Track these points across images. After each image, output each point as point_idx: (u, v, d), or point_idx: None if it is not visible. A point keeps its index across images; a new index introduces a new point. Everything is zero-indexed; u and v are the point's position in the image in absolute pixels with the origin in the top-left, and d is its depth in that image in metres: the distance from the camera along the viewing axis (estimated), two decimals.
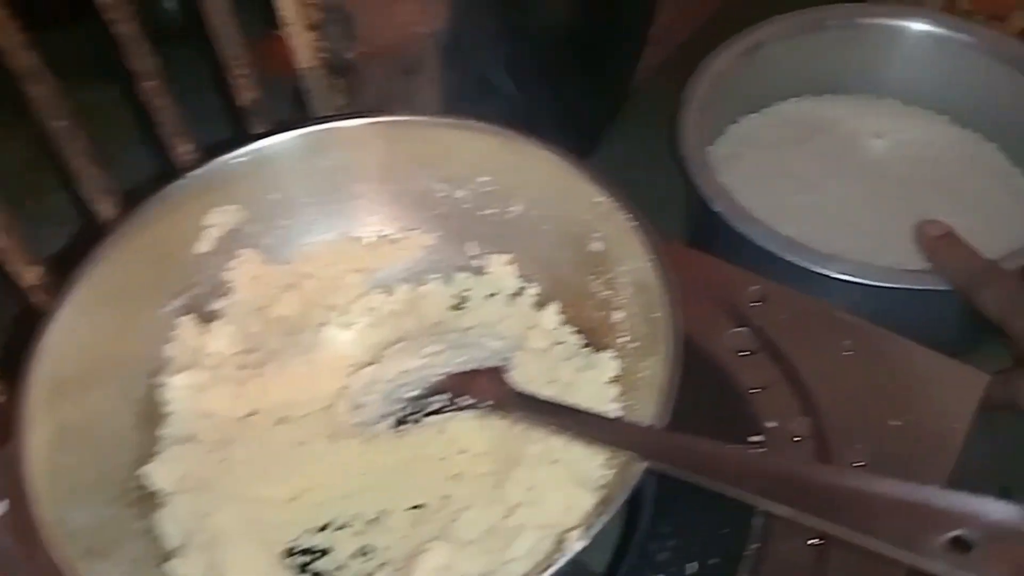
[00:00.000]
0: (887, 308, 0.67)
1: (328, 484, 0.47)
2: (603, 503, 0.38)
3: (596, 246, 0.51)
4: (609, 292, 0.50)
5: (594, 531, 0.37)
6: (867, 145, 0.85)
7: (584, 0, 0.80)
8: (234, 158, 0.51)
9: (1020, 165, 0.81)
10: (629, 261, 0.48)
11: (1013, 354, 0.59)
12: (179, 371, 0.50)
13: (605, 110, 0.93)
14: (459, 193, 0.55)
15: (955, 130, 0.85)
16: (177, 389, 0.49)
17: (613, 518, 0.51)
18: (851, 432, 0.54)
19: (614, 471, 0.43)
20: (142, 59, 0.58)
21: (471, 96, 0.73)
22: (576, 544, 0.37)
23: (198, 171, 0.50)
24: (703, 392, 0.56)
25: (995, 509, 0.30)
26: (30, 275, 0.56)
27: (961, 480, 0.51)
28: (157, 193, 0.49)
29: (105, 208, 0.59)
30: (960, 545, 0.30)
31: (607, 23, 0.85)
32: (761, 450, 0.50)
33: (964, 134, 0.85)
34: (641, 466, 0.38)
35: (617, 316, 0.50)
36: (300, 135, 0.52)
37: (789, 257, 0.65)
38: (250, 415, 0.50)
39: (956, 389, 0.55)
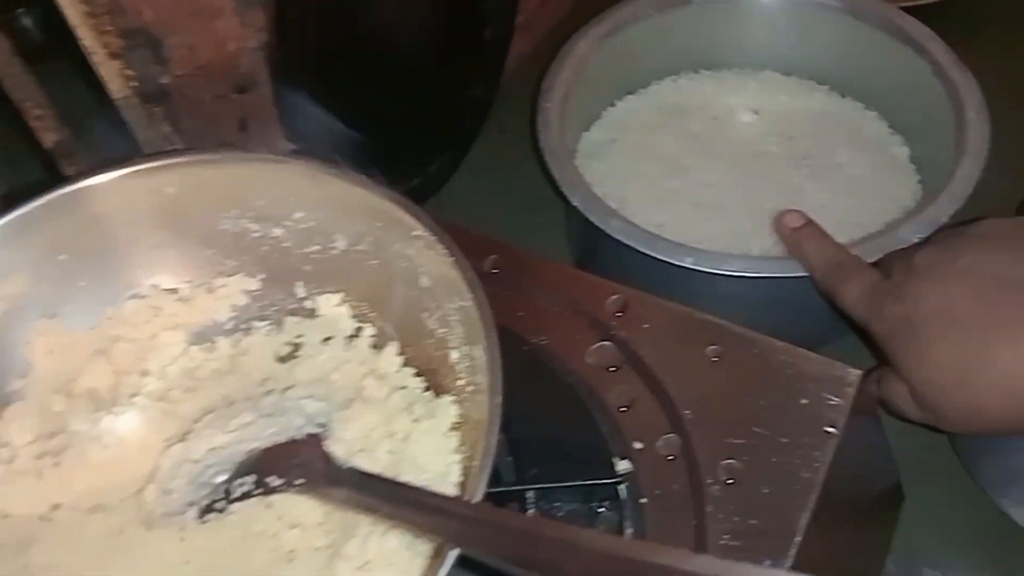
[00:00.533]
0: (757, 296, 0.65)
1: None
2: None
3: (424, 281, 0.46)
4: (444, 330, 0.46)
5: None
6: (742, 121, 0.82)
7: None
8: (4, 223, 0.45)
9: (900, 132, 0.79)
10: (454, 299, 0.43)
11: (876, 353, 0.56)
12: None
13: (476, 104, 0.88)
14: (276, 231, 0.50)
15: (834, 99, 0.82)
16: None
17: None
18: (720, 446, 0.50)
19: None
20: None
21: (311, 110, 0.68)
22: None
23: None
24: (570, 415, 0.53)
25: None
26: None
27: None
28: None
29: None
30: None
31: (460, 18, 0.80)
32: (585, 527, 0.46)
33: (844, 103, 0.82)
34: (453, 553, 0.34)
35: (454, 356, 0.46)
36: (77, 189, 0.47)
37: (647, 251, 0.61)
38: (54, 509, 0.44)
39: (827, 388, 0.52)
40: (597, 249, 0.69)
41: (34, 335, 0.48)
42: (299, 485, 0.41)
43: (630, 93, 0.85)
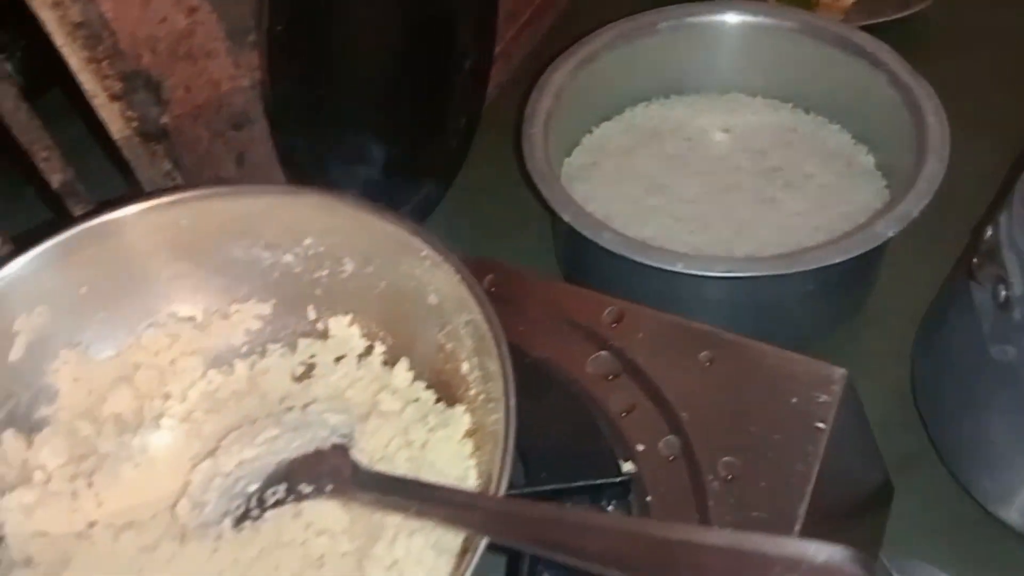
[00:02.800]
0: (744, 298, 0.68)
1: None
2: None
3: (432, 299, 0.49)
4: (453, 344, 0.49)
5: None
6: (714, 140, 0.86)
7: (411, 35, 0.78)
8: (32, 257, 0.47)
9: (863, 142, 0.83)
10: (463, 314, 0.46)
11: None
12: (7, 491, 0.47)
13: (461, 133, 0.91)
14: (287, 258, 0.52)
15: (798, 116, 0.87)
16: (7, 511, 0.46)
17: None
18: (718, 445, 0.53)
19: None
20: None
21: (304, 144, 0.71)
22: None
23: None
24: (575, 422, 0.55)
25: (821, 551, 0.29)
26: None
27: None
28: None
29: None
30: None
31: (442, 53, 0.83)
32: (602, 511, 0.49)
33: (807, 119, 0.86)
34: (483, 543, 0.36)
35: (464, 368, 0.48)
36: (104, 221, 0.49)
37: (638, 259, 0.65)
38: (90, 527, 0.46)
39: (815, 387, 0.55)
40: (588, 263, 0.72)
41: (59, 363, 0.50)
42: (329, 491, 0.43)
43: (606, 119, 0.88)
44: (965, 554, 0.68)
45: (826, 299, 0.73)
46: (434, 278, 0.48)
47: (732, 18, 0.84)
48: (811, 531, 0.51)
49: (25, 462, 0.48)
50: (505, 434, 0.39)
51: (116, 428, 0.50)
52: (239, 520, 0.44)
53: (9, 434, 0.48)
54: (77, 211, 0.62)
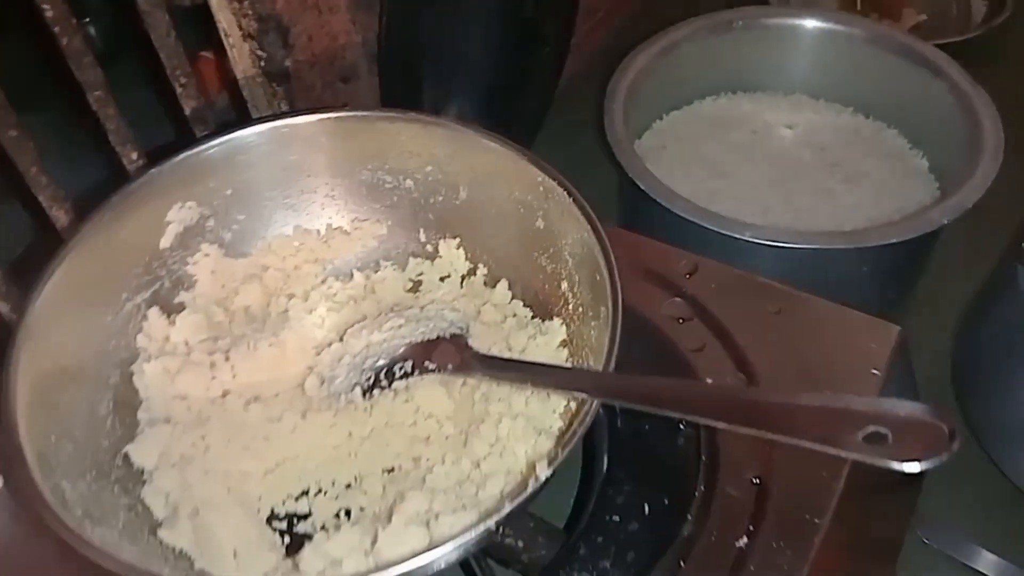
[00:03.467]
0: (800, 269, 0.73)
1: (303, 456, 0.50)
2: (564, 441, 0.42)
3: (539, 224, 0.54)
4: (554, 265, 0.54)
5: (558, 462, 0.40)
6: (779, 135, 0.92)
7: (509, 9, 0.84)
8: (190, 156, 0.54)
9: (918, 146, 0.89)
10: (570, 234, 0.52)
11: None
12: (150, 359, 0.52)
13: (533, 115, 0.97)
14: (407, 183, 0.58)
15: (859, 119, 0.92)
16: (150, 375, 0.51)
17: (571, 470, 0.55)
18: (781, 383, 0.58)
19: (571, 416, 0.46)
20: (89, 71, 0.60)
21: (407, 95, 0.77)
22: (542, 473, 0.40)
23: (156, 169, 0.53)
24: (647, 355, 0.61)
25: (903, 407, 0.35)
26: None
27: None
28: (121, 190, 0.51)
29: (58, 216, 0.61)
30: (876, 438, 0.34)
31: (532, 27, 0.89)
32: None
33: (867, 122, 0.92)
34: (595, 404, 0.42)
35: (563, 286, 0.54)
36: (254, 132, 0.55)
37: (710, 226, 0.70)
38: (223, 396, 0.52)
39: (872, 339, 0.60)
40: (660, 232, 0.78)
41: (200, 256, 0.56)
42: (450, 369, 0.49)
43: (676, 109, 0.94)
44: (996, 528, 0.72)
45: (879, 281, 0.78)
46: (545, 203, 0.53)
47: (807, 23, 0.90)
48: (856, 480, 0.56)
49: (167, 338, 0.54)
50: (612, 324, 0.44)
51: (246, 318, 0.56)
52: (368, 390, 0.50)
53: (154, 311, 0.54)
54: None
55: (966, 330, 0.76)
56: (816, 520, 0.52)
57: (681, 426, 0.56)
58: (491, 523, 0.38)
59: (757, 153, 0.89)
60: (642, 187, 0.74)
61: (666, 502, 0.53)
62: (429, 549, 0.38)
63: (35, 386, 0.45)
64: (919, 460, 0.33)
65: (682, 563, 0.51)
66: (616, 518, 0.52)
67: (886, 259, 0.74)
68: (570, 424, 0.45)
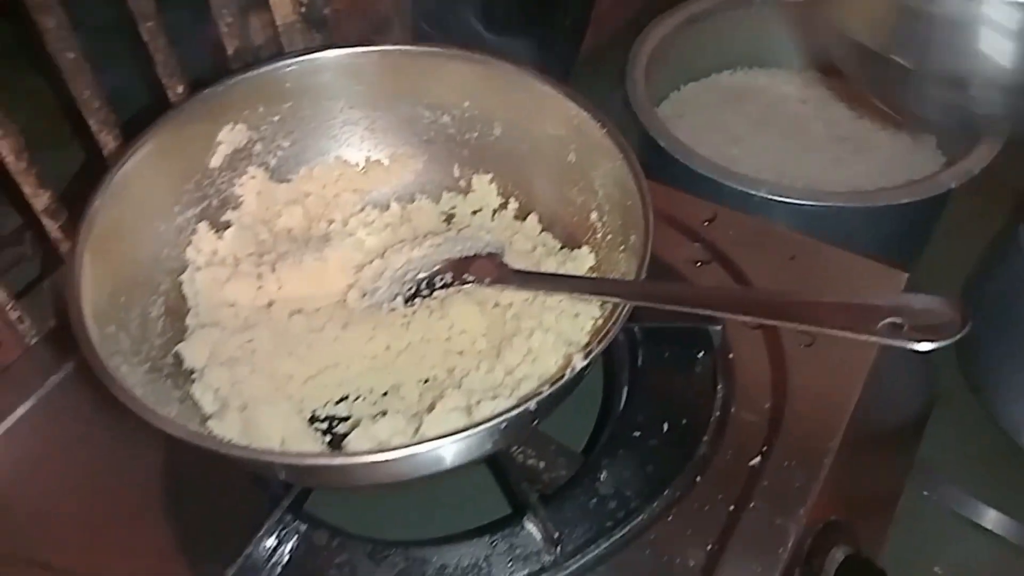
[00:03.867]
0: (811, 229, 0.76)
1: (343, 364, 0.53)
2: (600, 336, 0.44)
3: (571, 157, 0.57)
4: (584, 197, 0.57)
5: (594, 355, 0.43)
6: (793, 108, 0.95)
7: None
8: (241, 80, 0.56)
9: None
10: (602, 165, 0.54)
11: None
12: (199, 269, 0.55)
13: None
14: (444, 119, 0.61)
15: (870, 99, 0.95)
16: (199, 284, 0.54)
17: (590, 401, 0.58)
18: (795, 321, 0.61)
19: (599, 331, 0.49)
20: (142, 2, 0.63)
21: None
22: (578, 363, 0.43)
23: (211, 90, 0.55)
24: None
25: (922, 300, 0.38)
26: (40, 200, 0.60)
27: None
28: (178, 107, 0.54)
29: (107, 140, 0.63)
30: (895, 327, 0.37)
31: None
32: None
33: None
34: (628, 307, 0.45)
35: (592, 217, 0.57)
36: (299, 62, 0.58)
37: (727, 182, 0.73)
38: (268, 306, 0.55)
39: (881, 284, 0.63)
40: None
41: (247, 178, 0.59)
42: (488, 282, 0.51)
43: (693, 80, 0.98)
44: (996, 483, 0.75)
45: (887, 244, 0.81)
46: (578, 137, 0.56)
47: None
48: (867, 405, 0.59)
49: (215, 251, 0.56)
50: (645, 237, 0.47)
51: (288, 239, 0.58)
52: (410, 299, 0.52)
53: (203, 225, 0.57)
54: None
55: (969, 289, 0.79)
56: (827, 444, 0.55)
57: (699, 355, 0.59)
58: (531, 404, 0.41)
59: (771, 124, 0.92)
60: (663, 145, 0.77)
61: (684, 422, 0.56)
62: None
63: (96, 281, 0.48)
64: (932, 341, 0.35)
65: (698, 478, 0.54)
66: (637, 434, 0.55)
67: (895, 221, 0.77)
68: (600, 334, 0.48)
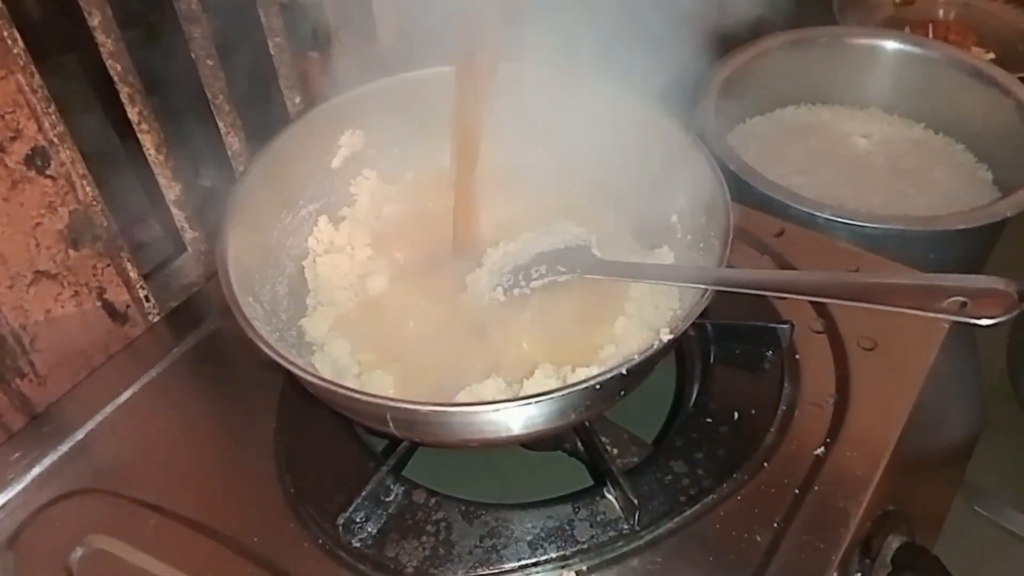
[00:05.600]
0: (869, 249, 0.80)
1: (448, 341, 0.58)
2: (687, 315, 0.49)
3: (654, 166, 0.63)
4: (665, 200, 0.62)
5: (680, 330, 0.48)
6: (854, 143, 1.00)
7: None
8: (364, 89, 0.63)
9: (984, 161, 0.96)
10: (686, 170, 0.60)
11: None
12: (319, 256, 0.62)
13: None
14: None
15: (929, 133, 1.00)
16: (319, 267, 0.61)
17: (661, 395, 0.63)
18: (859, 326, 0.66)
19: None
20: (272, 19, 0.70)
21: None
22: (665, 336, 0.48)
23: (339, 98, 0.62)
24: (739, 299, 0.68)
25: (982, 280, 0.42)
26: (172, 191, 0.68)
27: None
28: (308, 111, 0.61)
29: (232, 142, 0.71)
30: (959, 305, 0.42)
31: None
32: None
33: (937, 137, 1.00)
34: (711, 292, 0.50)
35: (673, 219, 0.62)
36: (414, 76, 0.65)
37: (793, 204, 0.78)
38: (378, 289, 0.61)
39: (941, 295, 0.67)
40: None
41: (361, 179, 0.66)
42: (578, 273, 0.57)
43: (759, 114, 1.03)
44: None
45: (942, 269, 0.84)
46: (664, 147, 0.61)
47: (888, 44, 0.99)
48: (919, 421, 0.63)
49: (332, 242, 0.63)
50: (725, 228, 0.52)
51: (398, 234, 0.65)
52: (508, 290, 0.58)
53: (323, 219, 0.63)
54: None
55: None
56: (887, 438, 0.60)
57: (768, 353, 0.64)
58: (622, 368, 0.46)
59: (834, 157, 0.97)
60: (732, 168, 0.82)
61: (753, 412, 0.61)
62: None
63: (235, 259, 0.54)
64: (992, 317, 0.40)
65: (765, 464, 0.58)
66: (709, 420, 0.60)
67: (952, 246, 0.81)
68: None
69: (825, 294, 0.46)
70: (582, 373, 0.51)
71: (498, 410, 0.45)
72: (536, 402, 0.45)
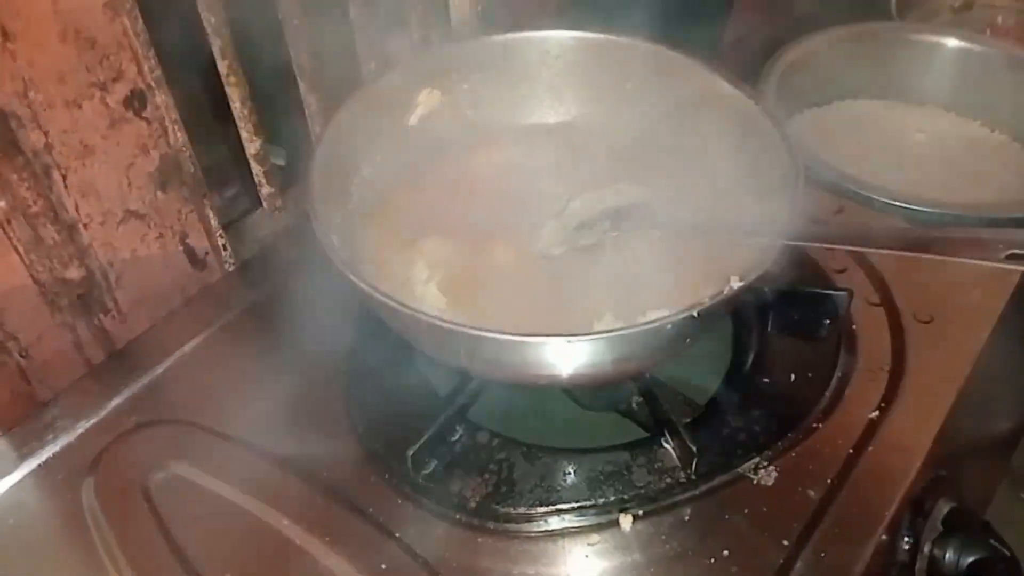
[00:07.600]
0: None
1: (520, 291, 0.61)
2: (756, 264, 0.51)
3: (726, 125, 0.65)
4: (730, 165, 0.64)
5: (750, 279, 0.50)
6: (910, 138, 1.00)
7: None
8: (443, 49, 0.66)
9: None
10: (758, 144, 0.61)
11: None
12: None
13: None
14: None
15: (986, 131, 1.01)
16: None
17: (716, 362, 0.65)
18: (915, 299, 0.67)
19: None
20: None
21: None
22: (735, 283, 0.50)
23: (419, 56, 0.65)
24: (800, 271, 0.70)
25: None
26: (252, 145, 0.71)
27: None
28: (389, 70, 0.64)
29: (311, 101, 0.74)
30: (1017, 257, 0.44)
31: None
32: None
33: (993, 135, 1.00)
34: (780, 245, 0.52)
35: (740, 192, 0.64)
36: (493, 40, 0.67)
37: (848, 184, 0.79)
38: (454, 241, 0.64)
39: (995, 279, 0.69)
40: None
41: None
42: (639, 226, 0.59)
43: (816, 106, 1.04)
44: None
45: None
46: (736, 125, 0.63)
47: (949, 41, 1.00)
48: (971, 391, 0.64)
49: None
50: (795, 186, 0.54)
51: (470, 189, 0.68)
52: (577, 242, 0.60)
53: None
54: None
55: None
56: (941, 406, 0.61)
57: (825, 321, 0.65)
58: (693, 311, 0.48)
59: (889, 152, 0.98)
60: None
61: (809, 375, 0.62)
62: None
63: (321, 199, 0.57)
64: None
65: (819, 425, 0.60)
66: (766, 380, 0.62)
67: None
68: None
69: (893, 246, 0.48)
70: (652, 315, 0.52)
71: (571, 342, 0.47)
72: (607, 336, 0.48)
